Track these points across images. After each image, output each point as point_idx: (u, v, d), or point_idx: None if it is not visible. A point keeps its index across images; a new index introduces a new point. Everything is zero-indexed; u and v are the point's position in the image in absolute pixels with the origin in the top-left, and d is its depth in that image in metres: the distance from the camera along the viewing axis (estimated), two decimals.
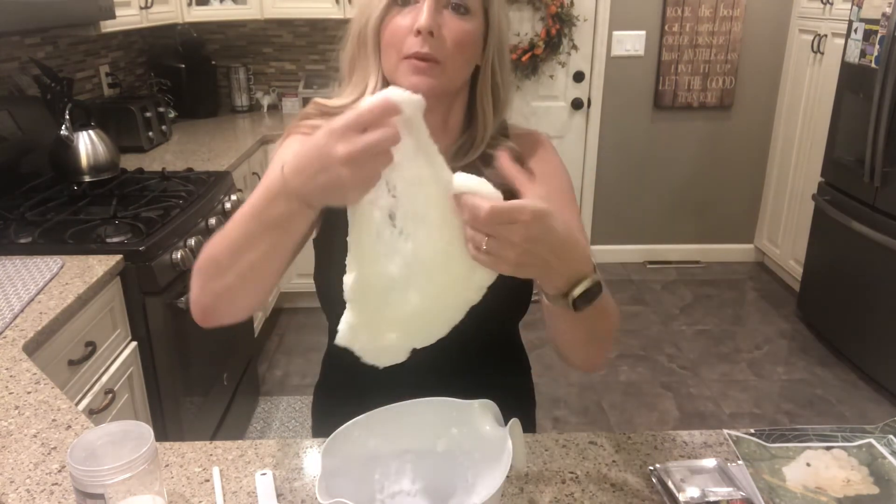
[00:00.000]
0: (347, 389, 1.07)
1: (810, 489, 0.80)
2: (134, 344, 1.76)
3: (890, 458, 0.84)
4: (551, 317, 0.82)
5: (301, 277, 3.36)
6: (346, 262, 0.72)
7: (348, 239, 0.72)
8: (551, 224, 0.66)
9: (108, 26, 2.28)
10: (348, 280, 0.73)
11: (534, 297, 1.06)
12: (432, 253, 0.72)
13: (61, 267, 1.59)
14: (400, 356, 0.77)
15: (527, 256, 0.66)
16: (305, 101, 2.06)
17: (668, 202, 4.09)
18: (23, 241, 1.73)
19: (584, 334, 0.83)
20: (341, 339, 0.75)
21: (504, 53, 0.95)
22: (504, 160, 0.70)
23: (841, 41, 3.06)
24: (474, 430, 0.77)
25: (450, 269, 0.72)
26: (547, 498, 0.84)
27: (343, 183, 0.65)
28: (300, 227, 0.74)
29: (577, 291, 0.71)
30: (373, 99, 0.64)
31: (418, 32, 0.84)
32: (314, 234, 1.05)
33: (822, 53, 3.37)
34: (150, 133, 2.83)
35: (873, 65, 2.75)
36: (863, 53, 2.84)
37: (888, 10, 2.63)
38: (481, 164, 0.94)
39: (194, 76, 3.44)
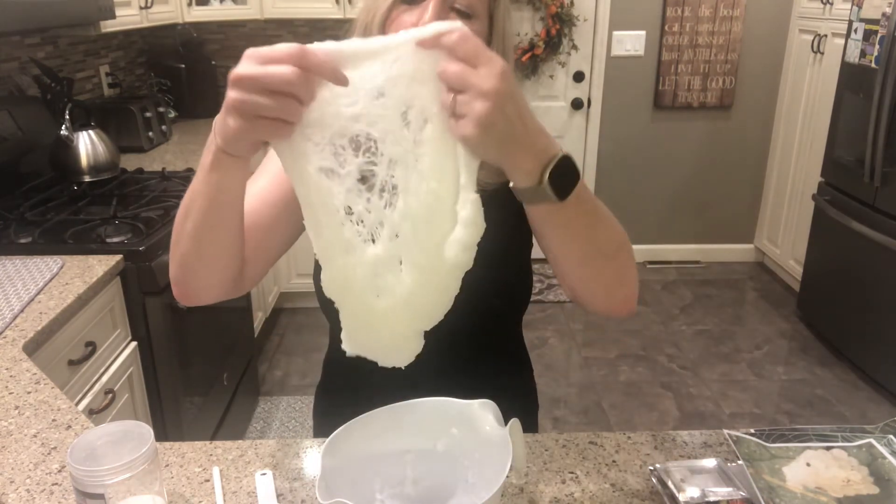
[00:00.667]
0: (348, 390, 1.07)
1: (810, 489, 0.80)
2: (134, 344, 1.76)
3: (890, 458, 0.84)
4: (544, 231, 0.78)
5: (301, 277, 3.36)
6: (315, 253, 0.68)
7: (304, 223, 0.68)
8: (517, 86, 0.64)
9: (108, 26, 2.28)
10: (324, 278, 0.69)
11: (533, 298, 1.06)
12: (425, 197, 0.66)
13: (61, 267, 1.59)
14: (416, 347, 0.73)
15: (498, 114, 0.61)
16: None
17: (668, 202, 4.09)
18: (23, 241, 1.73)
19: (587, 245, 0.77)
20: (348, 348, 0.73)
21: (508, 57, 0.96)
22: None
23: (841, 41, 3.06)
24: (474, 430, 0.77)
25: (438, 225, 0.68)
26: (547, 498, 0.84)
27: (232, 110, 0.62)
28: (231, 179, 0.72)
29: (551, 166, 0.67)
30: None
31: None
32: None
33: (822, 53, 3.37)
34: (150, 133, 2.83)
35: (873, 65, 2.75)
36: (863, 53, 2.84)
37: (888, 10, 2.63)
38: None
39: (194, 76, 3.44)
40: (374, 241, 0.68)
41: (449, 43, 0.62)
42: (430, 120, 0.66)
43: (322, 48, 0.63)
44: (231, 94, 0.62)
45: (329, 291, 0.70)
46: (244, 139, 0.65)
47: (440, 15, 0.85)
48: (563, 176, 0.68)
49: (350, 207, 0.67)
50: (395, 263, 0.69)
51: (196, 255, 0.80)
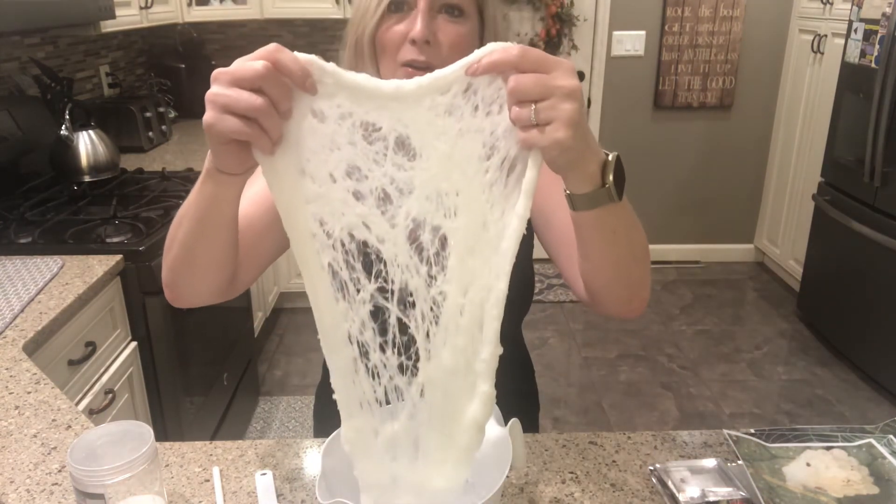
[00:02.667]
0: None
1: (810, 489, 0.80)
2: (134, 344, 1.76)
3: (890, 458, 0.84)
4: (591, 236, 0.74)
5: (301, 277, 3.36)
6: (332, 385, 0.65)
7: (325, 352, 0.63)
8: None
9: (108, 26, 2.28)
10: (344, 435, 0.66)
11: (534, 298, 1.06)
12: (448, 360, 0.58)
13: (61, 267, 1.58)
14: None
15: (582, 112, 0.60)
16: None
17: (667, 202, 4.09)
18: (23, 241, 1.73)
19: (627, 248, 0.76)
20: None
21: None
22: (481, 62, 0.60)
23: (841, 41, 3.06)
24: None
25: (457, 401, 0.61)
26: (547, 498, 0.84)
27: (208, 102, 0.63)
28: (223, 195, 0.73)
29: (611, 158, 0.65)
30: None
31: (413, 41, 0.84)
32: None
33: (822, 53, 3.37)
34: (150, 133, 2.83)
35: (873, 65, 2.75)
36: (863, 53, 2.84)
37: (888, 10, 2.63)
38: None
39: (194, 76, 3.43)
40: (391, 413, 0.64)
41: (512, 57, 0.59)
42: (451, 236, 0.57)
43: (318, 62, 0.59)
44: (210, 90, 0.63)
45: (348, 450, 0.67)
46: (220, 138, 0.64)
47: (429, 21, 0.84)
48: (617, 175, 0.66)
49: (365, 349, 0.61)
50: (411, 446, 0.66)
51: (186, 263, 0.81)
